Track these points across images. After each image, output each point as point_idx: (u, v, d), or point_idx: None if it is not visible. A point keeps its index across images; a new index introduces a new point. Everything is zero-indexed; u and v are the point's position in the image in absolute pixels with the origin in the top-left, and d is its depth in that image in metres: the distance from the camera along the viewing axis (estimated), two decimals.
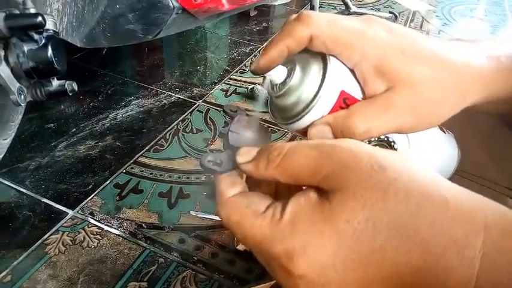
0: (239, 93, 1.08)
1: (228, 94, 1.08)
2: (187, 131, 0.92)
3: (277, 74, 0.28)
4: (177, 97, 1.04)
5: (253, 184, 0.26)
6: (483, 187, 0.50)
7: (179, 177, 0.79)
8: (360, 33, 0.27)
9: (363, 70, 0.27)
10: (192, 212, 0.67)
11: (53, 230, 0.66)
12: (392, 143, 0.30)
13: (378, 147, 0.28)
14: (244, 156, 0.24)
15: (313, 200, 0.22)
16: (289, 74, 0.28)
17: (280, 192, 0.27)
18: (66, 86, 0.60)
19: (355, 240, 0.20)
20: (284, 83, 0.28)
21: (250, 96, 1.05)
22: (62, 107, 0.96)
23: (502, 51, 0.31)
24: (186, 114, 0.98)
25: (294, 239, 0.21)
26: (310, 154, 0.22)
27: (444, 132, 0.35)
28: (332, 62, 0.27)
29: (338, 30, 0.27)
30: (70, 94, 0.61)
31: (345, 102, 0.27)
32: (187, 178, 0.79)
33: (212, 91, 1.08)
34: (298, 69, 0.28)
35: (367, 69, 0.27)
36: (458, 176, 0.53)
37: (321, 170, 0.22)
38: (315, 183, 0.22)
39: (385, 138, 0.30)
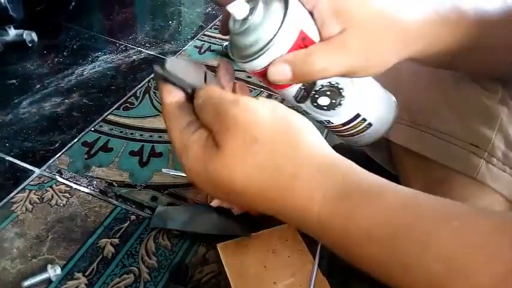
0: (213, 50, 1.05)
1: (202, 51, 1.04)
2: None
3: (240, 9, 0.28)
4: (148, 53, 1.00)
5: None
6: (450, 144, 0.52)
7: (151, 136, 0.77)
8: None
9: (322, 10, 0.29)
10: (164, 170, 0.66)
11: (19, 188, 0.64)
12: (341, 90, 0.33)
13: (318, 93, 0.33)
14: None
15: (208, 143, 0.28)
16: (251, 12, 0.28)
17: None
18: (24, 35, 0.56)
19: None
20: (246, 19, 0.29)
21: (225, 53, 1.02)
22: (25, 62, 0.91)
23: (452, 8, 0.34)
24: None
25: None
26: (210, 111, 0.28)
27: (384, 89, 0.39)
28: (292, 1, 0.28)
29: None
30: (30, 45, 0.57)
31: (303, 41, 0.29)
32: (160, 137, 0.77)
33: (185, 47, 1.04)
34: (260, 6, 0.28)
35: (326, 9, 0.29)
36: (427, 133, 0.54)
37: (214, 125, 0.28)
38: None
39: (336, 84, 0.33)
